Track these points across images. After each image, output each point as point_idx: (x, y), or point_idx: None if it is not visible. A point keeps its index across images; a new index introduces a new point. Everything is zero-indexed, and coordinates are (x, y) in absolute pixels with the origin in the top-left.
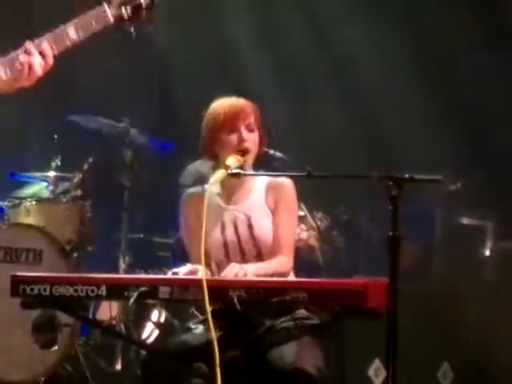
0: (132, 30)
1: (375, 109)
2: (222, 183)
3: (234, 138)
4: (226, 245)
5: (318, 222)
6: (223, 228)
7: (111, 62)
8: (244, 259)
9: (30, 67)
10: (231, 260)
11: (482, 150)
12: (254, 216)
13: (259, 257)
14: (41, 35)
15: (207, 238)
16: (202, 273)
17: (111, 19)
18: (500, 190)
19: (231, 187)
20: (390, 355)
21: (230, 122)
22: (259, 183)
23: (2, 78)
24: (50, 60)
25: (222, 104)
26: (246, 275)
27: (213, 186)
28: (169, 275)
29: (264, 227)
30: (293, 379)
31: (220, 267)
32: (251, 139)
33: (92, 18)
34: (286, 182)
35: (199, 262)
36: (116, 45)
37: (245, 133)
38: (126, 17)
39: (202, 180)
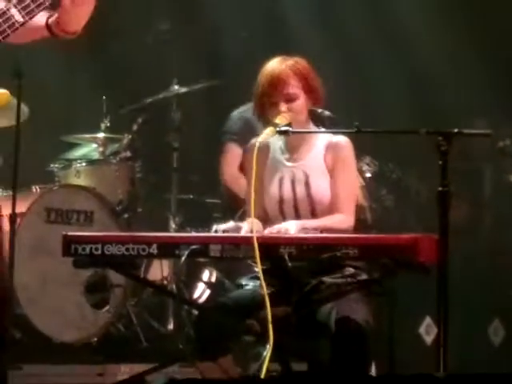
0: None
1: (420, 60)
2: (285, 139)
3: (274, 110)
4: (281, 201)
5: (366, 167)
6: (281, 184)
7: (160, 25)
8: (298, 217)
9: None
10: (285, 216)
11: None
12: (312, 175)
13: (313, 215)
14: None
15: (265, 193)
16: (252, 229)
17: None
18: None
19: (293, 144)
20: (441, 311)
21: (269, 95)
22: (320, 142)
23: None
24: None
25: (264, 72)
26: (286, 233)
27: (270, 144)
28: (215, 233)
29: (321, 187)
30: (338, 329)
31: (274, 222)
32: (292, 108)
33: None
34: (343, 142)
35: (257, 216)
36: (165, 9)
37: (283, 106)
38: None
39: (248, 126)
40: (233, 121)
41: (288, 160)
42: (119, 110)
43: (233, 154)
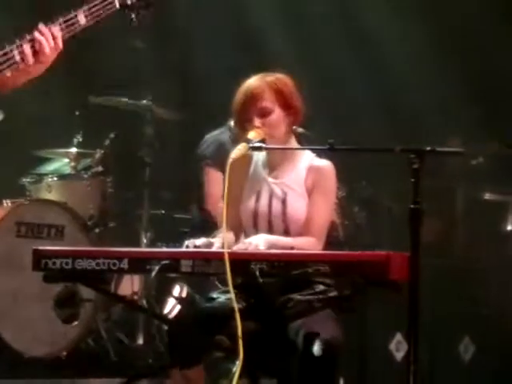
0: (133, 16)
1: (396, 79)
2: (269, 156)
3: (248, 125)
4: (256, 214)
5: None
6: (258, 198)
7: (134, 39)
8: (271, 232)
9: (40, 46)
10: (258, 230)
11: (504, 125)
12: (290, 194)
13: (286, 233)
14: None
15: (242, 204)
16: (222, 244)
17: (117, 6)
18: None
19: (276, 160)
20: (412, 328)
21: (243, 111)
22: (302, 163)
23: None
24: (60, 44)
25: (241, 89)
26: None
27: (254, 156)
28: (187, 248)
29: (298, 207)
30: (307, 348)
31: (248, 236)
32: (266, 123)
33: (100, 4)
34: (326, 166)
35: (232, 228)
36: (141, 27)
37: (257, 121)
38: (129, 2)
39: (222, 149)
40: (206, 145)
41: (269, 174)
42: (88, 102)
43: (212, 178)
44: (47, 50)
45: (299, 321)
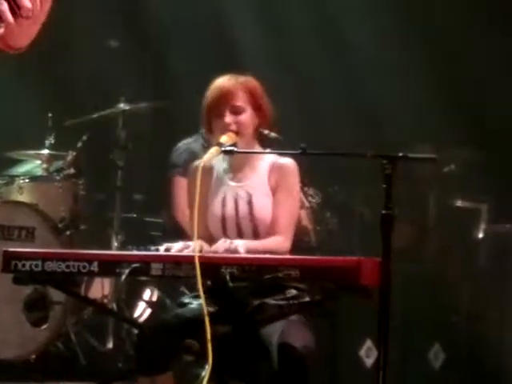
0: None
1: (370, 85)
2: (229, 159)
3: (220, 122)
4: (223, 220)
5: (310, 199)
6: (224, 203)
7: (107, 39)
8: (240, 236)
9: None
10: (228, 236)
11: (477, 132)
12: (255, 194)
13: (256, 235)
14: None
15: (208, 212)
16: (194, 249)
17: None
18: (495, 172)
19: (237, 163)
20: (382, 334)
21: (216, 106)
22: (264, 163)
23: None
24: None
25: (213, 86)
26: (236, 249)
27: (215, 164)
28: (161, 252)
29: (264, 206)
30: (280, 355)
31: (217, 241)
32: (238, 122)
33: None
34: (289, 164)
35: (199, 236)
36: (114, 27)
37: (229, 117)
38: None
39: (194, 157)
40: (178, 153)
41: (231, 179)
42: (64, 123)
43: (181, 187)
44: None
45: (272, 327)
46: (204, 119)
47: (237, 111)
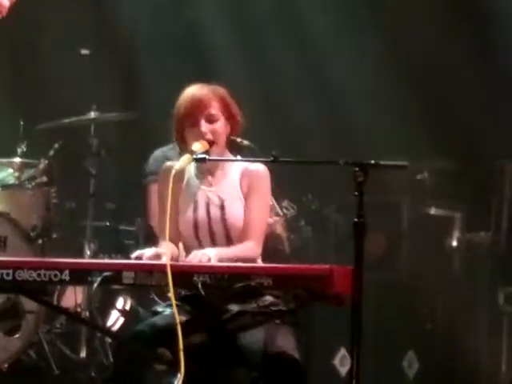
0: None
1: (343, 96)
2: (200, 165)
3: (194, 131)
4: (196, 224)
5: (285, 211)
6: (196, 208)
7: (78, 46)
8: (213, 240)
9: None
10: (201, 240)
11: (450, 140)
12: (227, 199)
13: (228, 239)
14: None
15: (180, 217)
16: (165, 257)
17: None
18: (468, 180)
19: (209, 169)
20: (355, 342)
21: (190, 115)
22: (235, 168)
23: None
24: None
25: (185, 95)
26: (209, 261)
27: (186, 168)
28: (133, 260)
29: (236, 211)
30: (267, 362)
31: (189, 247)
32: (212, 130)
33: None
34: (260, 169)
35: (170, 241)
36: (87, 34)
37: (204, 126)
38: None
39: None
40: (154, 160)
41: (203, 184)
42: (37, 126)
43: (156, 194)
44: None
45: (249, 334)
46: (176, 128)
47: (211, 120)
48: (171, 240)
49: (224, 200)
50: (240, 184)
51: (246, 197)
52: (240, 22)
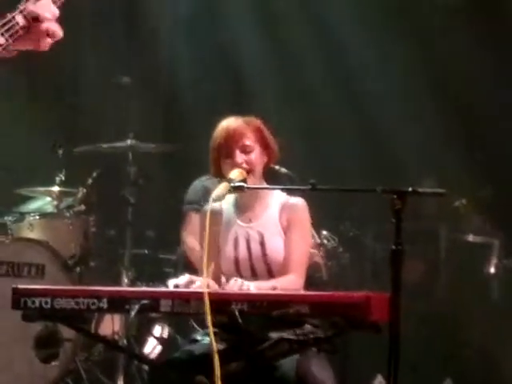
0: None
1: (382, 122)
2: (238, 199)
3: (230, 162)
4: (237, 261)
5: (325, 241)
6: (236, 244)
7: (116, 75)
8: (254, 276)
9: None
10: (242, 276)
11: (489, 167)
12: (266, 234)
13: (270, 274)
14: None
15: (221, 254)
16: (203, 285)
17: None
18: (506, 206)
19: (247, 203)
20: (392, 369)
21: (225, 146)
22: (275, 202)
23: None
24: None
25: (220, 128)
26: (248, 289)
27: (222, 200)
28: (170, 288)
29: (276, 246)
30: None
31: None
32: (248, 161)
33: None
34: (299, 203)
35: (212, 278)
36: (120, 58)
37: (239, 157)
38: None
39: (209, 195)
40: (194, 190)
41: (242, 220)
42: (73, 153)
43: (193, 223)
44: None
45: (290, 363)
46: (213, 160)
47: (246, 150)
48: (213, 278)
49: (264, 235)
50: (279, 218)
51: (286, 231)
52: (279, 47)
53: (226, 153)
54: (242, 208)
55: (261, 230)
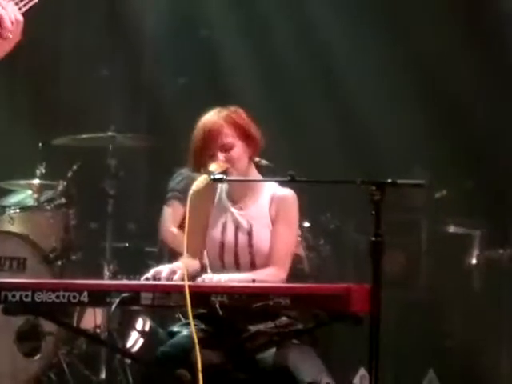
0: None
1: (362, 113)
2: (230, 188)
3: (210, 161)
4: (222, 245)
5: (307, 234)
6: (224, 229)
7: (98, 67)
8: (237, 265)
9: (2, 20)
10: (224, 262)
11: (468, 157)
12: (255, 225)
13: (252, 264)
14: None
15: (207, 235)
16: (183, 275)
17: None
18: (487, 198)
19: (239, 192)
20: (373, 361)
21: (205, 147)
22: (265, 193)
23: None
24: (20, 16)
25: (198, 127)
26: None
27: (219, 186)
28: (151, 281)
29: (263, 237)
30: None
31: (212, 266)
32: (230, 158)
33: None
34: (289, 195)
35: (194, 255)
36: (102, 50)
37: (220, 155)
38: None
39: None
40: (179, 178)
41: (234, 207)
42: (52, 144)
43: (174, 211)
44: (8, 23)
45: (269, 352)
46: (195, 159)
47: (227, 148)
48: (195, 254)
49: (252, 225)
50: (269, 209)
51: (274, 222)
52: (258, 40)
53: (207, 155)
54: (233, 195)
55: (250, 220)
